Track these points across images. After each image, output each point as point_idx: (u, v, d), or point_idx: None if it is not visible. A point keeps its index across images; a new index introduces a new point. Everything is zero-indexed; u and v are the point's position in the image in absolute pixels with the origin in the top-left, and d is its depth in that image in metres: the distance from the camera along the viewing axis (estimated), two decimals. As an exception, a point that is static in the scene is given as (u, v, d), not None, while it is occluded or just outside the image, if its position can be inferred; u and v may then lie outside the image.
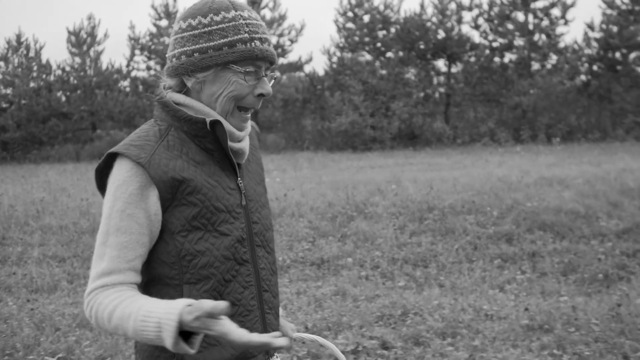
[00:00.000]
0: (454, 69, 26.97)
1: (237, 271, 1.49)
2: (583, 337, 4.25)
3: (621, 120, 24.59)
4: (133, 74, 29.59)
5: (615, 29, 25.36)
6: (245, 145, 1.56)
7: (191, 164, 1.45)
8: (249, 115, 1.52)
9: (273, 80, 1.55)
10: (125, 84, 29.55)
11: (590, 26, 25.99)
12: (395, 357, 4.11)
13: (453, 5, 26.55)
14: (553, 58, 25.53)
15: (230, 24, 1.44)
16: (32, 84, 29.60)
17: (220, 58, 1.43)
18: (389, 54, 26.49)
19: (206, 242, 1.44)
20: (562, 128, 24.42)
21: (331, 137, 24.81)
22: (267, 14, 28.57)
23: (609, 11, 25.74)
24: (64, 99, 29.63)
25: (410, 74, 25.73)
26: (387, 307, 5.01)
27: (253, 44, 1.44)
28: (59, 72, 29.72)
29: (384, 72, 25.79)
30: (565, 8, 25.27)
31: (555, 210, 7.67)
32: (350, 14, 26.84)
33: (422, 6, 26.67)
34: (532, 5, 25.70)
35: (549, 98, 24.73)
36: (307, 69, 27.89)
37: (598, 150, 18.27)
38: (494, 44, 26.20)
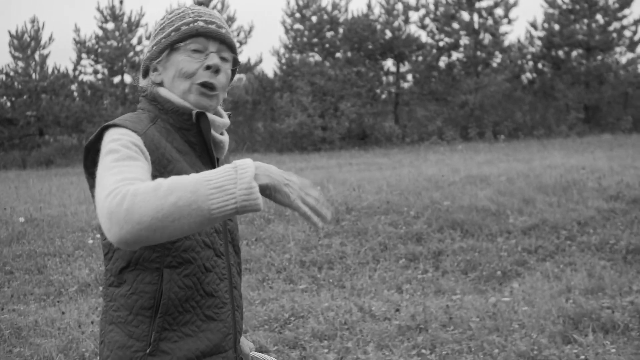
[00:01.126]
0: (402, 69, 27.19)
1: (215, 262, 1.49)
2: (458, 335, 4.29)
3: (564, 116, 25.15)
4: (80, 77, 29.03)
5: (557, 27, 25.92)
6: (225, 139, 1.61)
7: (175, 151, 1.48)
8: (211, 93, 1.53)
9: (227, 63, 1.57)
10: (72, 88, 28.97)
11: (534, 25, 26.51)
12: (268, 362, 4.07)
13: (400, 6, 26.78)
14: (498, 57, 25.94)
15: (179, 14, 1.55)
16: (-26, 90, 28.82)
17: (167, 41, 1.52)
18: (338, 55, 26.56)
19: None
20: (508, 125, 24.85)
21: (281, 139, 24.77)
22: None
23: (550, 10, 26.29)
24: (8, 104, 28.92)
25: (358, 74, 25.78)
26: (275, 311, 4.98)
27: (197, 23, 1.52)
28: (1, 76, 28.99)
29: (332, 72, 25.85)
30: (508, 7, 25.71)
31: (468, 209, 7.75)
32: (297, 14, 26.83)
33: (369, 6, 26.83)
34: (477, 5, 26.08)
35: (494, 96, 25.14)
36: (258, 70, 27.69)
37: (538, 147, 18.61)
38: (441, 44, 26.50)
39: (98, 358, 1.49)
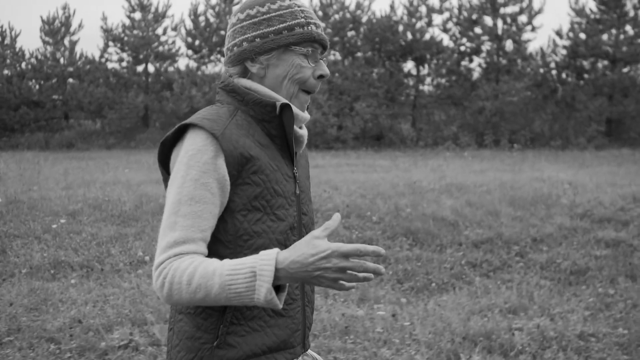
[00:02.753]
0: (422, 72, 26.95)
1: None
2: (352, 345, 4.28)
3: (584, 128, 24.59)
4: (106, 65, 29.55)
5: (583, 36, 25.34)
6: (305, 133, 1.61)
7: (257, 145, 1.47)
8: (309, 97, 1.58)
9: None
10: (98, 74, 29.55)
11: (559, 33, 25.96)
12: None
13: (423, 8, 26.53)
14: (519, 64, 25.50)
15: (287, 10, 1.52)
16: (5, 72, 29.66)
17: (281, 40, 1.50)
18: (358, 54, 26.47)
19: (263, 224, 1.46)
20: (525, 134, 24.42)
21: (294, 135, 24.84)
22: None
23: (577, 19, 25.71)
24: (37, 87, 29.67)
25: (375, 74, 25.67)
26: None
27: (310, 27, 1.52)
28: (32, 60, 29.76)
29: (350, 72, 25.78)
30: (532, 15, 25.23)
31: (428, 218, 7.68)
32: (320, 12, 26.81)
33: (392, 7, 26.64)
34: (501, 11, 25.66)
35: (513, 104, 24.73)
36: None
37: (547, 158, 18.27)
38: (462, 48, 26.17)
39: (167, 343, 1.57)
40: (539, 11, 25.19)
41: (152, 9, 28.88)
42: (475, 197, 8.83)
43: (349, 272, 1.32)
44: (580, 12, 25.74)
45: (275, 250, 1.31)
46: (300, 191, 1.58)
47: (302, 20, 1.52)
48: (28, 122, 29.31)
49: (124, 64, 29.01)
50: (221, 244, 1.44)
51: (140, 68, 28.99)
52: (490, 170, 13.19)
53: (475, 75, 26.08)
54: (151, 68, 28.85)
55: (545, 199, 8.52)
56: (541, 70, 25.49)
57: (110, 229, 8.16)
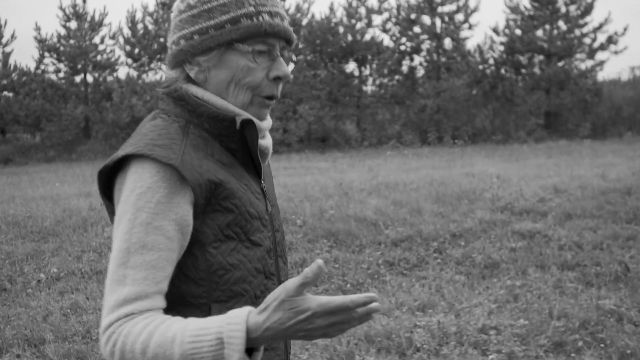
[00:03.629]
0: (364, 72, 27.12)
1: (265, 286, 1.31)
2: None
3: (524, 122, 25.15)
4: (43, 76, 28.72)
5: (518, 32, 25.93)
6: (269, 142, 1.38)
7: (219, 166, 1.25)
8: (272, 102, 1.31)
9: (292, 64, 1.30)
10: (34, 86, 28.67)
11: (495, 30, 26.50)
12: None
13: (363, 10, 26.70)
14: (459, 61, 25.92)
15: (236, 3, 1.24)
16: None
17: (222, 37, 1.23)
18: (299, 57, 26.45)
19: (239, 253, 1.25)
20: (468, 130, 24.83)
21: (239, 141, 24.70)
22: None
23: (512, 16, 26.30)
24: (-30, 102, 28.61)
25: (318, 77, 25.71)
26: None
27: (261, 17, 1.23)
28: (-37, 74, 28.68)
29: (296, 75, 25.74)
30: (469, 13, 25.70)
31: (351, 219, 7.64)
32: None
33: (331, 9, 26.73)
34: (439, 10, 26.04)
35: (454, 101, 25.11)
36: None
37: (487, 153, 18.57)
38: (402, 47, 26.44)
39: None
40: (475, 9, 25.68)
41: (88, 18, 28.23)
42: (402, 196, 8.86)
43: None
44: (515, 9, 26.34)
45: (246, 311, 1.09)
46: (271, 206, 1.38)
47: (251, 9, 1.23)
48: (-37, 139, 28.28)
49: (61, 74, 28.28)
50: (192, 282, 1.23)
51: (78, 78, 28.30)
52: (426, 168, 13.30)
53: (417, 74, 26.38)
54: (90, 78, 28.20)
55: (470, 194, 8.61)
56: (480, 67, 25.97)
57: (28, 246, 7.86)
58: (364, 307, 1.09)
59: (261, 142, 1.34)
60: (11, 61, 28.90)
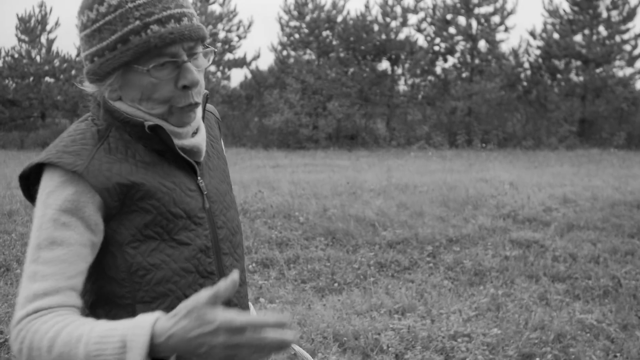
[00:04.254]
0: (396, 71, 26.99)
1: (201, 285, 1.28)
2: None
3: (556, 129, 24.68)
4: (82, 63, 29.43)
5: (556, 37, 25.42)
6: (199, 140, 1.33)
7: (140, 167, 1.24)
8: (194, 108, 1.26)
9: (208, 60, 1.28)
10: (74, 73, 29.47)
11: (532, 33, 26.04)
12: None
13: (399, 8, 26.56)
14: (493, 64, 25.58)
15: (117, 12, 1.17)
16: (-19, 70, 29.58)
17: (116, 60, 1.19)
18: (332, 54, 26.50)
19: (161, 253, 1.24)
20: (498, 134, 24.50)
21: (268, 135, 24.87)
22: (217, 9, 28.58)
23: (550, 19, 25.79)
24: (13, 86, 29.57)
25: (349, 74, 25.71)
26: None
27: (149, 31, 1.16)
28: (8, 59, 29.65)
29: (323, 71, 25.81)
30: (505, 15, 25.30)
31: (351, 219, 7.70)
32: (295, 12, 26.82)
33: (367, 7, 26.66)
34: (475, 11, 25.72)
35: (486, 103, 24.80)
36: (253, 65, 27.82)
37: (513, 158, 18.33)
38: (436, 48, 26.22)
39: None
40: (512, 11, 25.26)
41: (129, 8, 28.78)
42: (408, 198, 8.86)
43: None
44: (553, 12, 25.83)
45: (154, 316, 1.05)
46: (211, 203, 1.34)
47: (137, 23, 1.16)
48: (4, 121, 29.23)
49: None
50: (115, 282, 1.23)
51: (116, 66, 28.89)
52: (443, 171, 13.22)
53: (449, 75, 26.13)
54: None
55: (476, 200, 8.56)
56: (514, 71, 25.57)
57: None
58: (276, 334, 1.02)
59: (185, 142, 1.29)
60: (54, 48, 29.80)
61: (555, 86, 25.28)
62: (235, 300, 1.37)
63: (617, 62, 25.21)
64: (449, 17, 25.76)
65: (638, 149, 22.49)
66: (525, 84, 25.69)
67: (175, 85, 1.21)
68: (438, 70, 26.38)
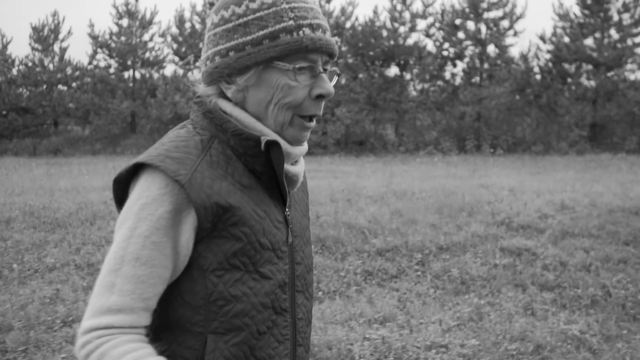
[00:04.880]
0: (405, 77, 26.90)
1: (273, 322, 1.22)
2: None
3: (567, 133, 24.42)
4: (95, 71, 29.78)
5: (566, 40, 25.19)
6: (300, 169, 1.28)
7: (237, 188, 1.18)
8: (313, 124, 1.23)
9: (336, 77, 1.26)
10: (86, 80, 29.78)
11: (542, 37, 25.82)
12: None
13: (407, 14, 26.50)
14: (502, 68, 25.40)
15: (270, 10, 1.16)
16: (-3, 78, 30.02)
17: (260, 55, 1.15)
18: (341, 60, 26.48)
19: (244, 285, 1.18)
20: (508, 139, 24.30)
21: (276, 141, 24.93)
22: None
23: (560, 23, 25.56)
24: (26, 94, 29.97)
25: (357, 80, 25.68)
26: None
27: (301, 32, 1.15)
28: (21, 67, 30.07)
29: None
30: (514, 19, 25.13)
31: (344, 226, 7.65)
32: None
33: (375, 12, 26.63)
34: (485, 16, 25.58)
35: (496, 108, 24.63)
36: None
37: (521, 164, 18.15)
38: (445, 53, 26.11)
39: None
40: (521, 16, 25.08)
41: (139, 16, 29.09)
42: (404, 205, 8.79)
43: None
44: (564, 16, 25.60)
45: None
46: (294, 237, 1.28)
47: (291, 23, 1.15)
48: (17, 129, 29.61)
49: (112, 70, 29.24)
50: (191, 308, 1.17)
51: (127, 74, 29.21)
52: (446, 177, 13.12)
53: (458, 80, 26.01)
54: (138, 74, 29.08)
55: (473, 206, 8.46)
56: (524, 75, 25.36)
57: (36, 236, 8.20)
58: None
59: (290, 168, 1.24)
60: (67, 56, 30.15)
61: (566, 90, 25.02)
62: (301, 340, 1.29)
63: (629, 66, 24.93)
64: (457, 22, 25.64)
65: (650, 154, 22.17)
66: (535, 88, 25.46)
67: (309, 93, 1.18)
68: (447, 75, 26.27)
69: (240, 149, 1.19)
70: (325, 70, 1.20)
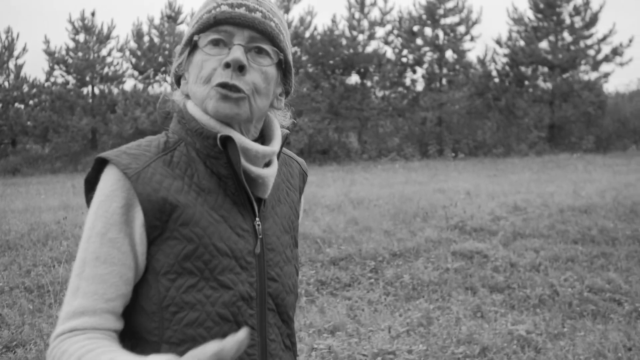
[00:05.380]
0: (365, 84, 27.09)
1: None
2: None
3: (526, 135, 24.88)
4: (52, 88, 29.27)
5: (522, 44, 25.71)
6: (269, 173, 1.21)
7: (193, 189, 1.16)
8: (235, 94, 1.15)
9: (265, 58, 1.19)
10: (43, 98, 29.23)
11: (498, 42, 26.31)
12: None
13: (365, 22, 26.72)
14: (460, 74, 25.78)
15: (205, 2, 1.23)
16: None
17: (187, 36, 1.21)
18: (301, 70, 26.56)
19: (199, 292, 1.13)
20: (469, 143, 24.64)
21: (238, 152, 24.86)
22: (186, 28, 28.55)
23: (515, 27, 26.09)
24: (-18, 113, 29.27)
25: (318, 89, 25.77)
26: None
27: (218, 9, 1.17)
28: (-25, 86, 29.38)
29: (297, 87, 25.85)
30: (470, 25, 25.56)
31: (299, 236, 7.62)
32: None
33: (334, 21, 26.79)
34: (442, 22, 25.95)
35: (456, 113, 24.97)
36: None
37: (482, 166, 18.40)
38: (404, 60, 26.39)
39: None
40: (477, 21, 25.53)
41: (96, 31, 28.72)
42: (360, 213, 8.81)
43: None
44: (518, 20, 26.13)
45: (167, 357, 0.98)
46: (267, 250, 1.22)
47: (213, 4, 1.19)
48: (-26, 149, 28.92)
49: (70, 86, 28.77)
50: (145, 314, 1.14)
51: (85, 90, 28.78)
52: (405, 183, 13.22)
53: (418, 86, 26.32)
54: (97, 90, 28.68)
55: (428, 211, 8.53)
56: (482, 80, 25.79)
57: (-17, 260, 7.98)
58: (231, 347, 0.94)
59: (251, 167, 1.19)
60: (22, 73, 29.55)
61: (524, 93, 25.52)
62: None
63: (583, 67, 25.54)
64: (415, 28, 25.97)
65: (606, 152, 22.72)
66: (494, 92, 25.89)
67: (219, 63, 1.16)
68: (407, 81, 26.54)
69: (203, 150, 1.18)
70: (256, 47, 1.17)
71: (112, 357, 1.02)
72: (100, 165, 1.17)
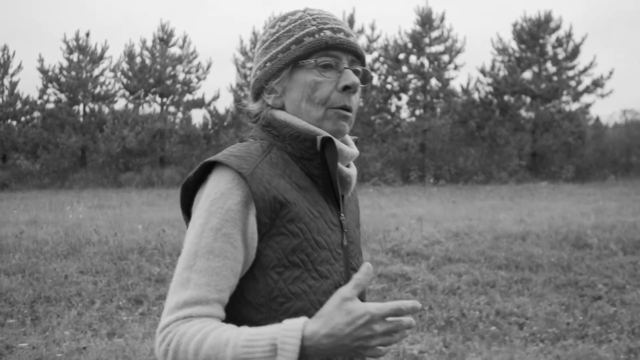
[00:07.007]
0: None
1: None
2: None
3: (507, 163, 25.18)
4: (45, 106, 29.75)
5: (505, 73, 26.15)
6: (353, 172, 1.37)
7: (294, 187, 1.26)
8: (349, 113, 1.31)
9: (368, 76, 1.35)
10: (35, 115, 29.71)
11: (482, 71, 26.75)
12: None
13: (352, 48, 27.23)
14: (444, 101, 26.18)
15: (297, 23, 1.31)
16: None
17: (288, 57, 1.29)
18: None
19: (303, 283, 1.23)
20: (451, 170, 24.93)
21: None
22: (177, 51, 29.11)
23: (499, 57, 26.56)
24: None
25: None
26: None
27: (322, 33, 1.29)
28: (-30, 101, 29.86)
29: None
30: (454, 54, 26.03)
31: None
32: (250, 53, 27.39)
33: (321, 48, 27.28)
34: (427, 50, 26.44)
35: (439, 140, 25.30)
36: (213, 106, 28.26)
37: (455, 194, 18.66)
38: (389, 87, 26.83)
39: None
40: (460, 50, 26.00)
41: (90, 51, 29.28)
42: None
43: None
44: (502, 50, 26.60)
45: (302, 320, 1.08)
46: (349, 242, 1.34)
47: (313, 28, 1.29)
48: (-35, 164, 29.28)
49: (61, 104, 29.24)
50: (252, 307, 1.22)
51: (76, 109, 29.24)
52: (363, 207, 13.49)
53: (402, 113, 26.71)
54: (87, 108, 29.15)
55: (368, 235, 8.78)
56: (465, 107, 26.19)
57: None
58: (408, 320, 1.10)
59: (343, 168, 1.33)
60: (16, 90, 30.06)
61: (506, 121, 25.88)
62: None
63: (564, 98, 25.93)
64: (401, 56, 26.44)
65: (584, 182, 22.98)
66: (477, 120, 26.28)
67: (335, 87, 1.28)
68: (392, 107, 26.93)
69: (297, 153, 1.29)
70: (354, 70, 1.31)
71: (243, 328, 1.12)
72: (206, 170, 1.26)
